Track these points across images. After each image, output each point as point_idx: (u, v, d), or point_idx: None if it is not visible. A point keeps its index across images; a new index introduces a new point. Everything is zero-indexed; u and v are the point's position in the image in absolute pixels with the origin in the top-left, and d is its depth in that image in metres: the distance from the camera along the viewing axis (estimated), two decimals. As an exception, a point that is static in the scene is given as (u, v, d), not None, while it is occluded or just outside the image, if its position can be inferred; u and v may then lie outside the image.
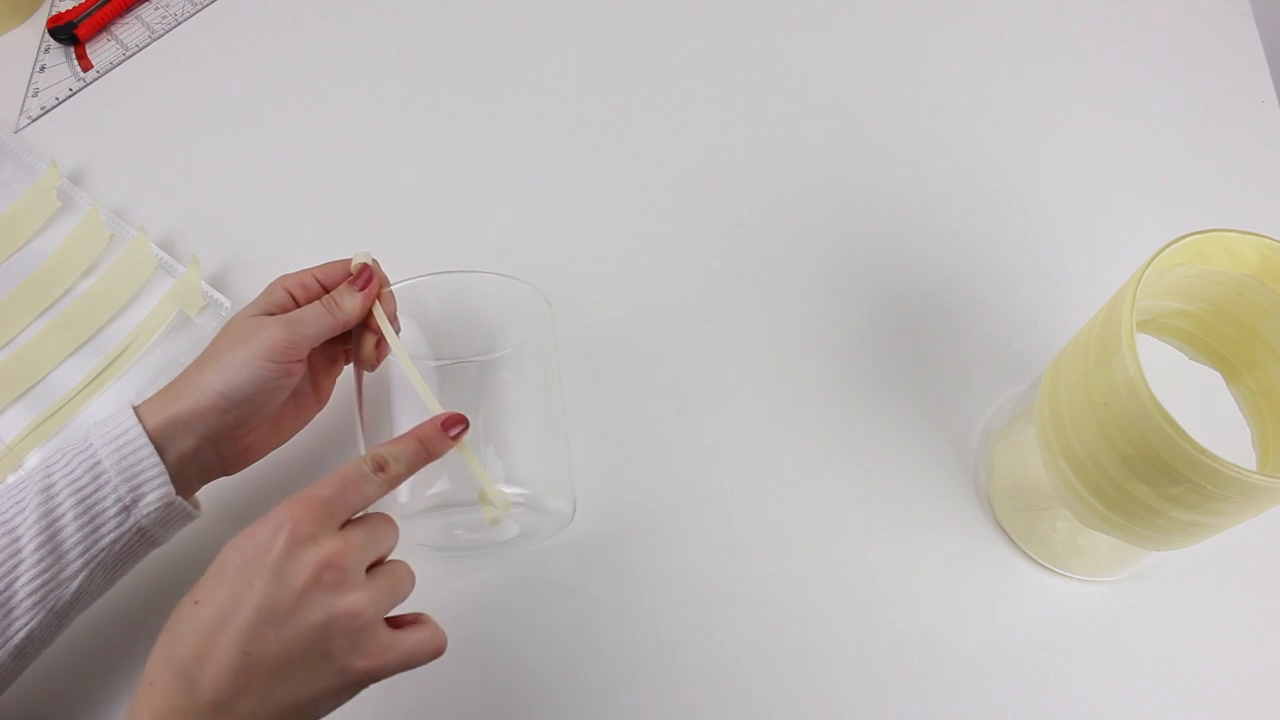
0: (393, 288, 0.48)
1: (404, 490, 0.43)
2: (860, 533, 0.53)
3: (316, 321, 0.45)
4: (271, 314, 0.45)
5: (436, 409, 0.42)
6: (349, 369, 0.50)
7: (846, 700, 0.49)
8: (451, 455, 0.42)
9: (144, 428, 0.43)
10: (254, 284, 0.49)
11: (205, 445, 0.44)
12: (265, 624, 0.35)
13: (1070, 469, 0.43)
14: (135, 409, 0.43)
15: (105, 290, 0.61)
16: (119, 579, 0.45)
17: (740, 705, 0.49)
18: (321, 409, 0.51)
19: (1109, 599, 0.51)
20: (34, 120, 0.66)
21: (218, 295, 0.60)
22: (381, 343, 0.46)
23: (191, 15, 0.72)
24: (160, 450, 0.43)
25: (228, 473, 0.47)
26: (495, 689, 0.49)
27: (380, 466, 0.39)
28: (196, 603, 0.35)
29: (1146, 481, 0.39)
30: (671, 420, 0.56)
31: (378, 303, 0.46)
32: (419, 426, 0.41)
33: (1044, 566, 0.52)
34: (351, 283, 0.46)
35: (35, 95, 0.68)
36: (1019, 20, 0.72)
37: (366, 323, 0.46)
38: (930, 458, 0.55)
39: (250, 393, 0.44)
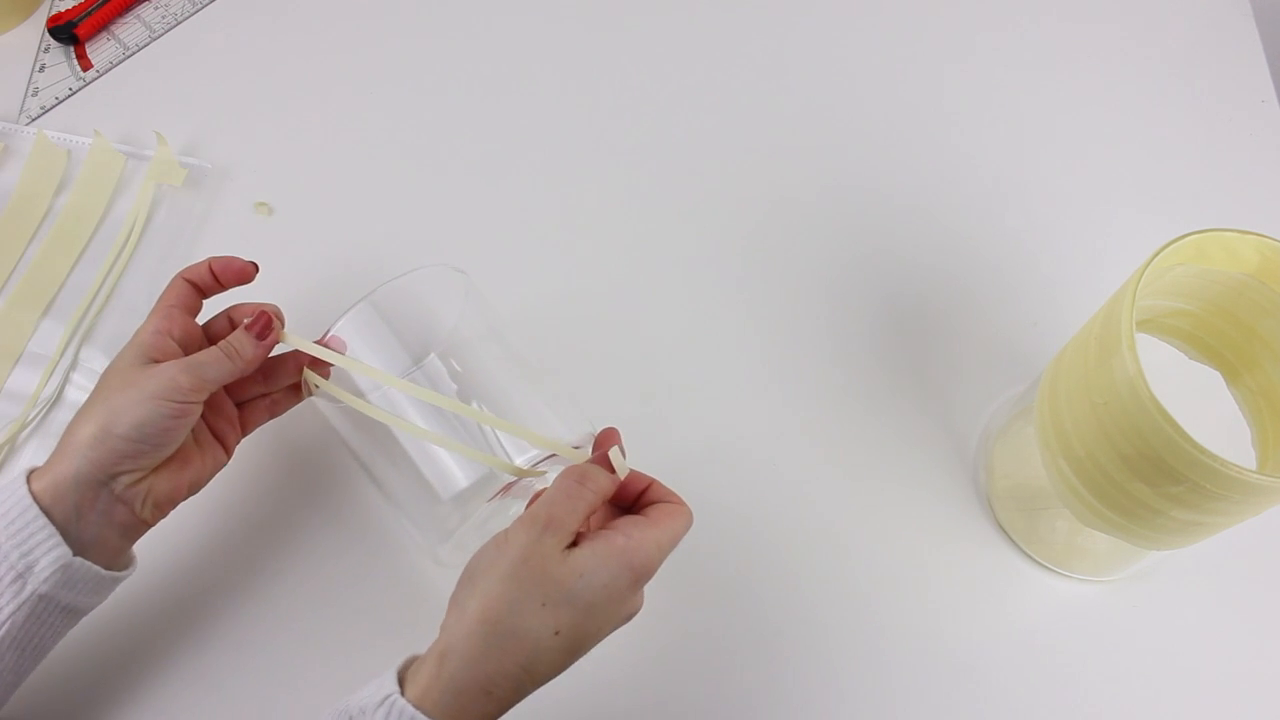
0: (329, 332, 0.46)
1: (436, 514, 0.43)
2: (860, 532, 0.53)
3: (216, 366, 0.43)
4: (155, 360, 0.43)
5: (438, 401, 0.42)
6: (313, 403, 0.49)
7: (846, 699, 0.49)
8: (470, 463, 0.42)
9: (31, 490, 0.40)
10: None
11: (103, 494, 0.41)
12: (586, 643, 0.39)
13: (1070, 469, 0.43)
14: (29, 474, 0.41)
15: (84, 197, 0.62)
16: (39, 658, 0.42)
17: (739, 704, 0.49)
18: (230, 458, 0.48)
19: (1109, 599, 0.51)
20: (34, 119, 0.66)
21: (196, 161, 0.63)
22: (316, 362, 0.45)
23: (191, 15, 0.72)
24: (51, 510, 0.40)
25: (148, 523, 0.44)
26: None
27: (582, 479, 0.40)
28: (557, 633, 0.37)
29: (1146, 481, 0.39)
30: (671, 420, 0.56)
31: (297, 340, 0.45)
32: None
33: (1044, 566, 0.52)
34: (249, 329, 0.45)
35: (35, 95, 0.68)
36: (1019, 21, 0.72)
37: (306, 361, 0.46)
38: (930, 458, 0.55)
39: (143, 431, 0.41)
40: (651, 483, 0.43)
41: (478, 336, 0.46)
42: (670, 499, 0.42)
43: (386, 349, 0.45)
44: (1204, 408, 0.41)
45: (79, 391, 0.56)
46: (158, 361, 0.43)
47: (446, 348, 0.44)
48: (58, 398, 0.56)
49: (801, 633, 0.50)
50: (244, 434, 0.49)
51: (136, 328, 0.57)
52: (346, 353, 0.46)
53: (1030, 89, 0.69)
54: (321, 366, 0.46)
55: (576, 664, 0.38)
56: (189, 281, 0.47)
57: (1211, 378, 0.47)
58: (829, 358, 0.58)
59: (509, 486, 0.44)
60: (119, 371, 0.43)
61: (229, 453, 0.48)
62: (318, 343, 0.46)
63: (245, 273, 0.48)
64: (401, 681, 0.37)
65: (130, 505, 0.42)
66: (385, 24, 0.71)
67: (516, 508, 0.49)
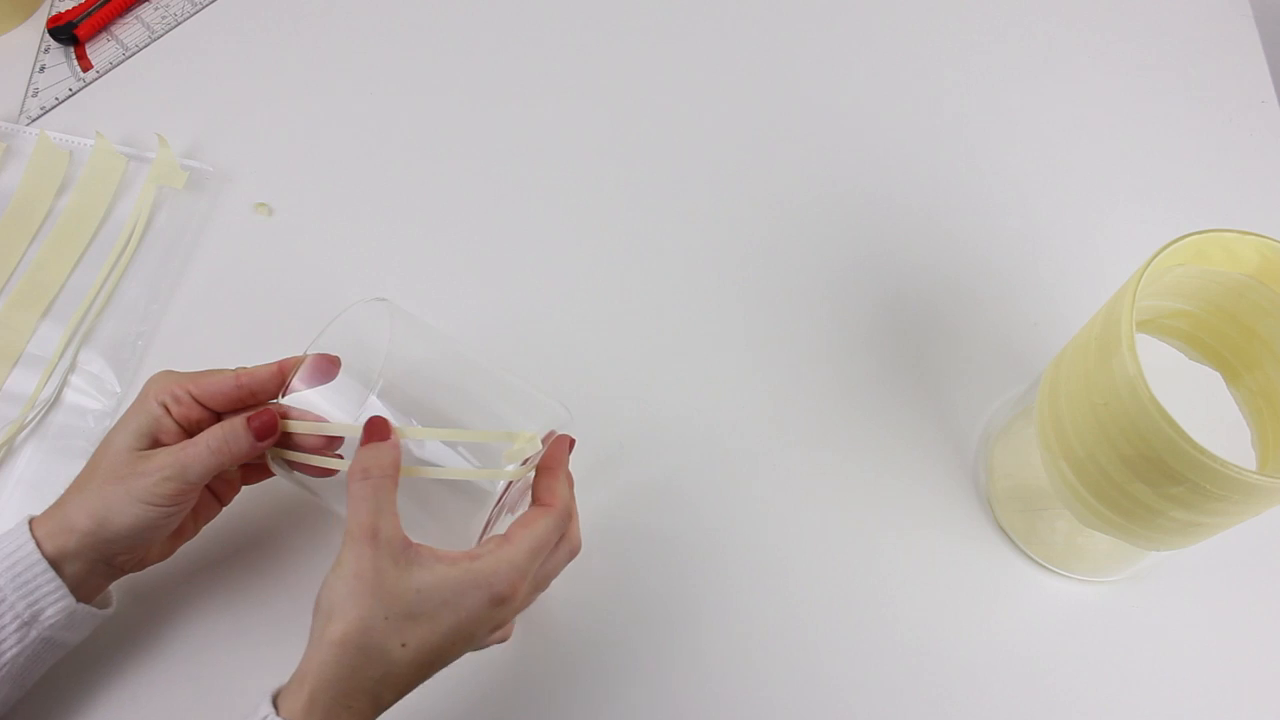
0: (286, 387, 0.45)
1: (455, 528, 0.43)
2: (860, 532, 0.53)
3: (202, 466, 0.42)
4: (152, 441, 0.43)
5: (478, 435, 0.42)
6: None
7: (846, 699, 0.49)
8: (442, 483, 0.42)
9: (35, 537, 0.42)
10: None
11: (99, 565, 0.43)
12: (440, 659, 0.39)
13: (1070, 469, 0.43)
14: (32, 521, 0.42)
15: (85, 198, 0.62)
16: (28, 686, 0.44)
17: (738, 704, 0.49)
18: (225, 507, 0.48)
19: (1109, 599, 0.51)
20: (34, 120, 0.66)
21: (197, 164, 0.63)
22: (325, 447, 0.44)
23: (191, 15, 0.72)
24: (57, 566, 0.42)
25: (138, 571, 0.46)
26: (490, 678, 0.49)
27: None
28: (404, 646, 0.38)
29: (1146, 481, 0.39)
30: (671, 421, 0.56)
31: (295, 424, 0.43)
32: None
33: (1044, 566, 0.52)
34: (250, 424, 0.42)
35: (35, 95, 0.68)
36: (1019, 21, 0.72)
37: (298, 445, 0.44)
38: (930, 458, 0.55)
39: (137, 531, 0.42)
40: (545, 469, 0.43)
41: (414, 360, 0.46)
42: (543, 498, 0.42)
43: (346, 391, 0.44)
44: (1204, 408, 0.41)
45: (77, 394, 0.56)
46: (157, 442, 0.43)
47: (386, 381, 0.44)
48: (56, 399, 0.56)
49: (802, 633, 0.50)
50: (245, 485, 0.49)
51: (136, 331, 0.57)
52: (317, 401, 0.45)
53: (1030, 89, 0.69)
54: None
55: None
56: (238, 382, 0.44)
57: (1211, 378, 0.47)
58: (829, 358, 0.58)
59: (500, 501, 0.44)
60: (116, 453, 0.43)
61: (224, 504, 0.48)
62: (280, 399, 0.44)
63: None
64: (276, 708, 0.38)
65: (123, 569, 0.45)
66: (385, 25, 0.71)
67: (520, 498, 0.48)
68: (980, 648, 0.50)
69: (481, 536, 0.43)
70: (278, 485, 0.49)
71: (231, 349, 0.58)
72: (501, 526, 0.44)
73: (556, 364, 0.58)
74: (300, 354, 0.45)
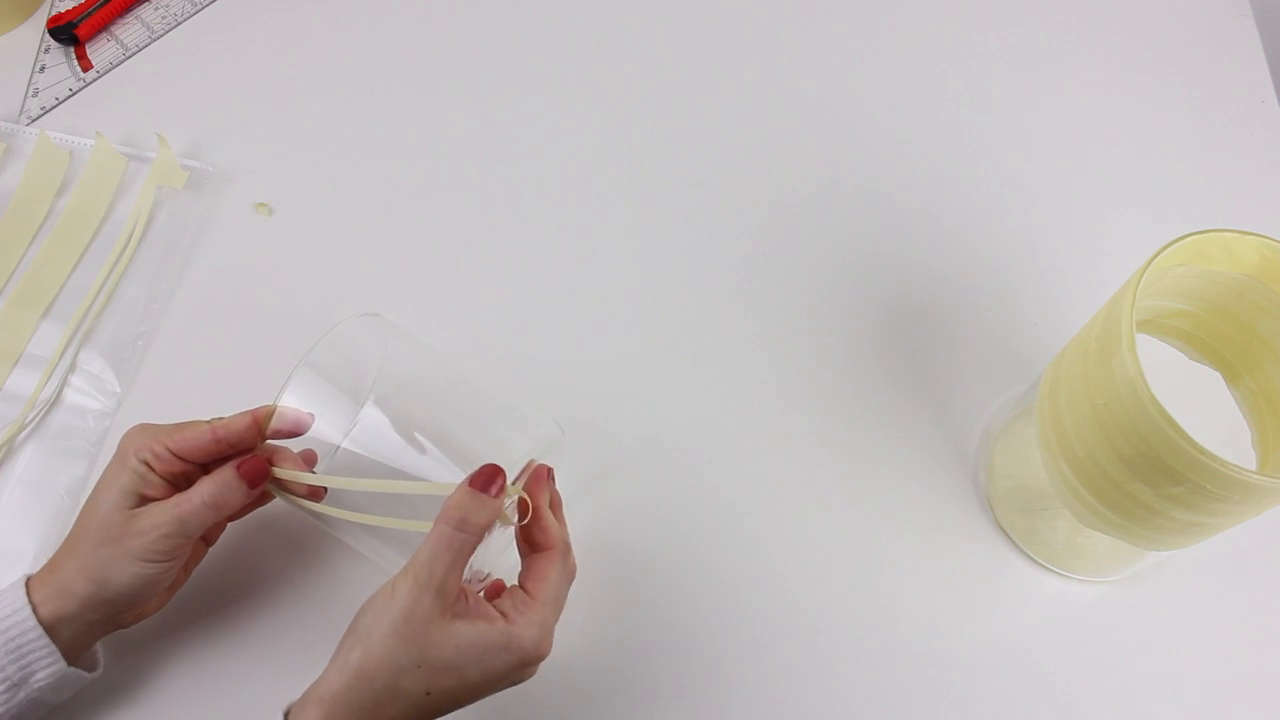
0: (278, 397, 0.45)
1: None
2: (860, 532, 0.53)
3: (199, 520, 0.42)
4: (140, 499, 0.43)
5: (444, 480, 0.42)
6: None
7: (846, 698, 0.49)
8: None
9: (31, 601, 0.41)
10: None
11: (97, 624, 0.43)
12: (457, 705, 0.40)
13: (1070, 469, 0.43)
14: (29, 582, 0.42)
15: (85, 198, 0.62)
16: None
17: (738, 704, 0.49)
18: (210, 548, 0.48)
19: (1109, 599, 0.51)
20: (34, 120, 0.66)
21: (197, 164, 0.63)
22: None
23: (191, 15, 0.72)
24: (52, 630, 0.42)
25: (134, 625, 0.46)
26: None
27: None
28: (428, 694, 0.38)
29: (1146, 481, 0.39)
30: (670, 421, 0.56)
31: (286, 467, 0.44)
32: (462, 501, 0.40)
33: (1044, 566, 0.52)
34: (239, 472, 0.43)
35: (35, 95, 0.68)
36: (1019, 21, 0.72)
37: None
38: (930, 458, 0.55)
39: (137, 589, 0.42)
40: (542, 517, 0.43)
41: (405, 375, 0.46)
42: (542, 539, 0.43)
43: (335, 404, 0.45)
44: (1204, 408, 0.41)
45: (77, 394, 0.56)
46: (144, 498, 0.43)
47: (378, 395, 0.44)
48: (56, 399, 0.56)
49: (802, 633, 0.50)
50: (230, 522, 0.48)
51: (136, 331, 0.56)
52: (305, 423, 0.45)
53: (1030, 89, 0.69)
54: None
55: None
56: (214, 437, 0.44)
57: (1211, 378, 0.47)
58: (829, 358, 0.58)
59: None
60: (107, 514, 0.42)
61: (211, 545, 0.48)
62: (264, 411, 0.44)
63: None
64: None
65: (123, 625, 0.45)
66: (385, 25, 0.71)
67: (500, 533, 0.48)
68: (980, 648, 0.50)
69: None
70: (257, 518, 0.49)
71: (231, 349, 0.58)
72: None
73: (553, 364, 0.58)
74: (270, 403, 0.45)
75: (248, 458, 0.43)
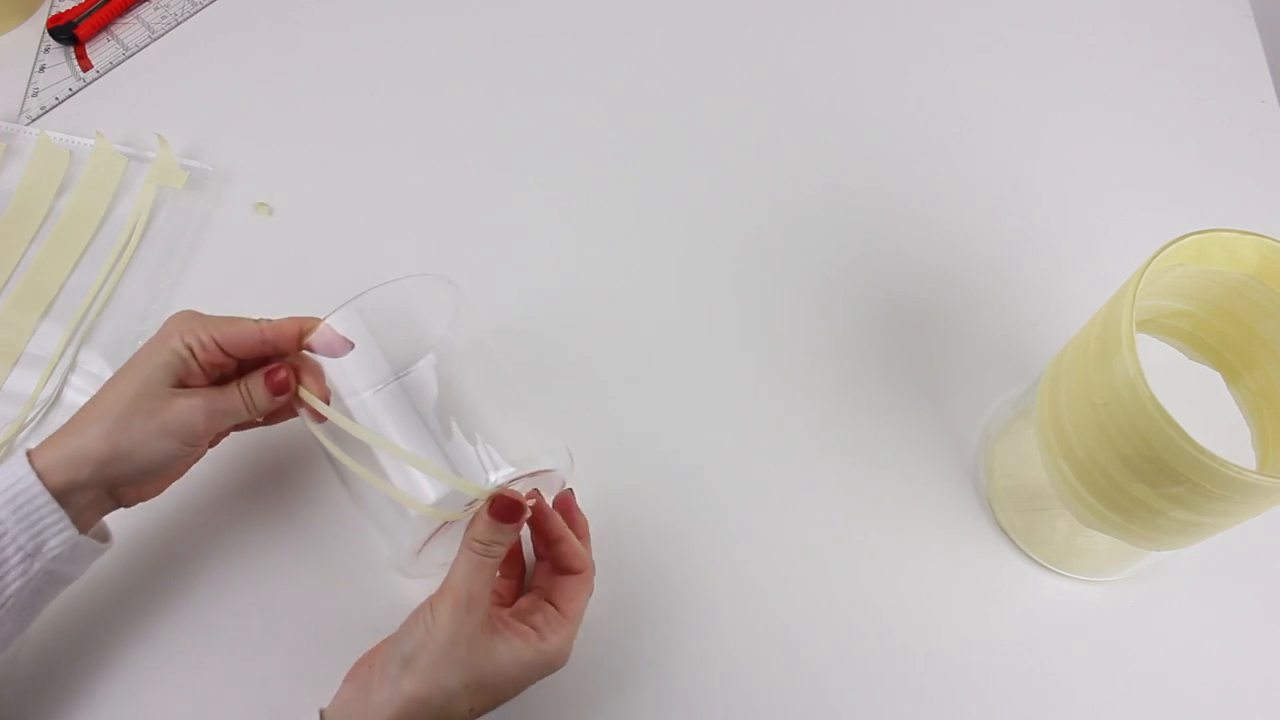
0: (322, 324, 0.45)
1: (404, 527, 0.44)
2: (860, 532, 0.53)
3: (235, 415, 0.44)
4: (178, 382, 0.43)
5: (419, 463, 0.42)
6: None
7: (846, 698, 0.49)
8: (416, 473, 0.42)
9: (36, 470, 0.41)
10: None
11: (103, 497, 0.44)
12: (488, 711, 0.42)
13: (1070, 469, 0.43)
14: (30, 454, 0.42)
15: (85, 198, 0.62)
16: (32, 620, 0.44)
17: (738, 704, 0.49)
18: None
19: (1109, 599, 0.51)
20: (34, 120, 0.66)
21: (197, 164, 0.63)
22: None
23: (191, 15, 0.72)
24: (62, 498, 0.42)
25: (130, 506, 0.46)
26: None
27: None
28: (471, 710, 0.41)
29: (1146, 481, 0.39)
30: (670, 420, 0.56)
31: (304, 387, 0.44)
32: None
33: (1044, 566, 0.52)
34: (268, 381, 0.44)
35: (35, 95, 0.68)
36: (1018, 21, 0.72)
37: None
38: (930, 458, 0.55)
39: (157, 466, 0.43)
40: (564, 537, 0.45)
41: (467, 349, 0.46)
42: (574, 563, 0.45)
43: (368, 356, 0.45)
44: (1204, 408, 0.41)
45: (77, 393, 0.56)
46: (181, 383, 0.44)
47: (436, 356, 0.44)
48: (56, 399, 0.56)
49: (802, 632, 0.50)
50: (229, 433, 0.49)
51: (136, 331, 0.57)
52: (340, 349, 0.45)
53: (1030, 89, 0.69)
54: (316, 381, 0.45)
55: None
56: (262, 337, 0.45)
57: (1211, 378, 0.47)
58: (828, 358, 0.58)
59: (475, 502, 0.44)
60: (146, 386, 0.43)
61: (215, 445, 0.49)
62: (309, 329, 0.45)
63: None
64: None
65: (122, 502, 0.45)
66: (385, 25, 0.71)
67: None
68: (980, 647, 0.50)
69: (420, 550, 0.45)
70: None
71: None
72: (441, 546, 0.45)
73: (553, 364, 0.58)
74: (322, 316, 0.45)
75: (276, 366, 0.45)
